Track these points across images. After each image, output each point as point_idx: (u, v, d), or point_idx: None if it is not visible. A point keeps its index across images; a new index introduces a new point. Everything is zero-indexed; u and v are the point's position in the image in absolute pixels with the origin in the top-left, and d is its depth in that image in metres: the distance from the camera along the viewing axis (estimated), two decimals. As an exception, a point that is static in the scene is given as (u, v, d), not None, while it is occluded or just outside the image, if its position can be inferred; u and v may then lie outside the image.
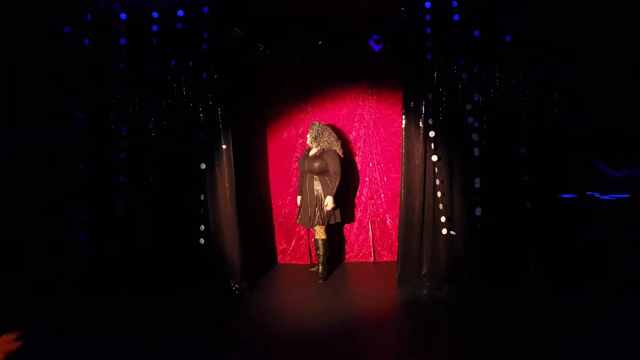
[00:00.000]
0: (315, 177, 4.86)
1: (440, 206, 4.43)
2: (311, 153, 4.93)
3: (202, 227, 4.49)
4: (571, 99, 4.47)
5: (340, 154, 4.92)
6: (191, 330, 3.59)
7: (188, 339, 3.44)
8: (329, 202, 4.75)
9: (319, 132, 4.85)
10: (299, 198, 5.13)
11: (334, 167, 4.76)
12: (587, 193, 4.52)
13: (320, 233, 4.89)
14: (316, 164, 4.80)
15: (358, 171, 5.62)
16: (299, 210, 5.02)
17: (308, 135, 4.94)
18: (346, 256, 5.64)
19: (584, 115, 4.62)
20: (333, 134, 4.96)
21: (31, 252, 4.32)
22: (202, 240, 4.48)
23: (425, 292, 4.36)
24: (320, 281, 4.82)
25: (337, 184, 4.76)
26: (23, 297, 4.04)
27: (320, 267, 4.92)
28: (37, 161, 4.40)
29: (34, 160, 4.39)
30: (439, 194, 4.42)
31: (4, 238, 4.16)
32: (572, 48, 4.32)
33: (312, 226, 4.87)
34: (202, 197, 4.50)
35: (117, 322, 3.79)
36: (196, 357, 3.15)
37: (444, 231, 4.39)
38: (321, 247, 4.89)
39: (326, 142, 4.85)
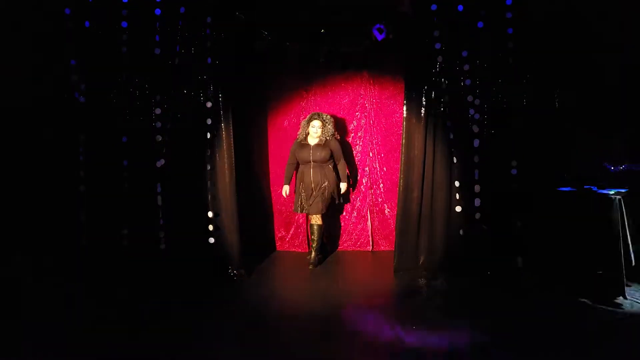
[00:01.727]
0: (320, 165, 4.89)
1: (439, 197, 4.46)
2: (312, 142, 4.94)
3: (211, 214, 4.50)
4: (572, 93, 4.47)
5: (339, 138, 5.11)
6: (188, 315, 3.63)
7: (185, 323, 3.48)
8: (343, 187, 5.01)
9: (325, 123, 4.91)
10: (286, 187, 5.14)
11: (342, 154, 4.99)
12: (585, 187, 4.54)
13: (317, 219, 4.96)
14: (322, 153, 4.86)
15: (358, 160, 5.63)
16: (296, 200, 5.04)
17: (317, 128, 4.86)
18: (344, 244, 5.67)
19: (584, 110, 4.62)
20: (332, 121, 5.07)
21: (31, 237, 4.34)
22: (210, 227, 4.50)
23: (421, 281, 4.41)
24: (310, 267, 4.87)
25: (346, 168, 5.01)
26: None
27: (313, 253, 4.97)
28: (36, 147, 4.40)
29: (33, 146, 4.40)
30: (456, 183, 4.45)
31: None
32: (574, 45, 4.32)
33: (316, 213, 4.90)
34: (208, 184, 4.51)
35: (115, 308, 3.82)
36: (193, 341, 3.19)
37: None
38: (316, 232, 4.96)
39: (329, 131, 4.92)
